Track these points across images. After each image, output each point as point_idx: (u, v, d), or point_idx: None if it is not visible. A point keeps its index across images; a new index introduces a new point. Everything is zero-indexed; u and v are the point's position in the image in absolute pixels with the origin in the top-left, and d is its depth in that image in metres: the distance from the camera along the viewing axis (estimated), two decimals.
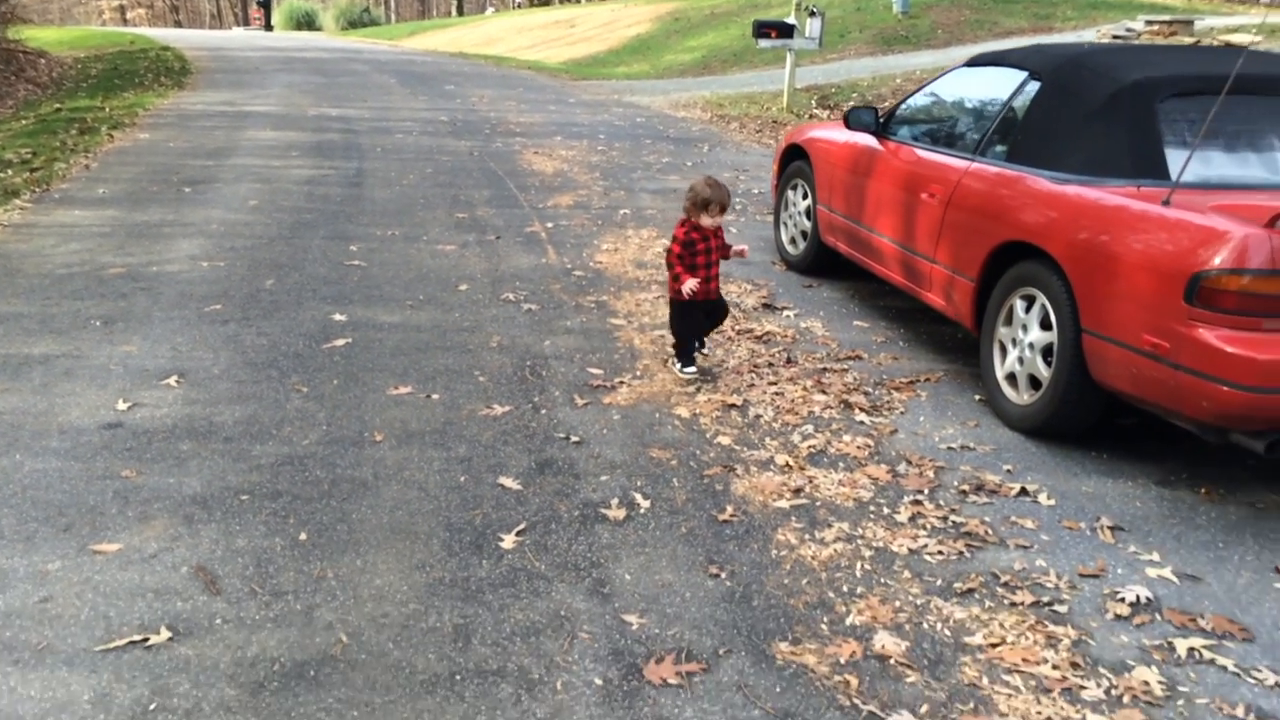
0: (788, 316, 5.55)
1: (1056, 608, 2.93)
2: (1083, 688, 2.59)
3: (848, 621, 2.86)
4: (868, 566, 3.14)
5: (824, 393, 4.46)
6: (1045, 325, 3.92)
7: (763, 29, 14.01)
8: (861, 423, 4.18)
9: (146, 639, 2.70)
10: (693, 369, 4.56)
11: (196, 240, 6.77)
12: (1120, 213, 3.57)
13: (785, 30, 13.96)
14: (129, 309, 5.32)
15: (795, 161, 6.38)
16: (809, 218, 6.18)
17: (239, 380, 4.45)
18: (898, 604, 2.94)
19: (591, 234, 7.28)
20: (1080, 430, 3.93)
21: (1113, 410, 3.86)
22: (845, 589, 3.02)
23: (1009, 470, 3.78)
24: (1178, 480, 3.74)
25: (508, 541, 3.23)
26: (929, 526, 3.37)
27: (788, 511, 3.46)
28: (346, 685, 2.55)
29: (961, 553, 3.22)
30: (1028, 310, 4.03)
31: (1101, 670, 2.67)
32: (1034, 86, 4.38)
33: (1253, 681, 2.63)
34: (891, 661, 2.68)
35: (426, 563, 3.10)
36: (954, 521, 3.40)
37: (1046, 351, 3.91)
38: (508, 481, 3.61)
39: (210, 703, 2.47)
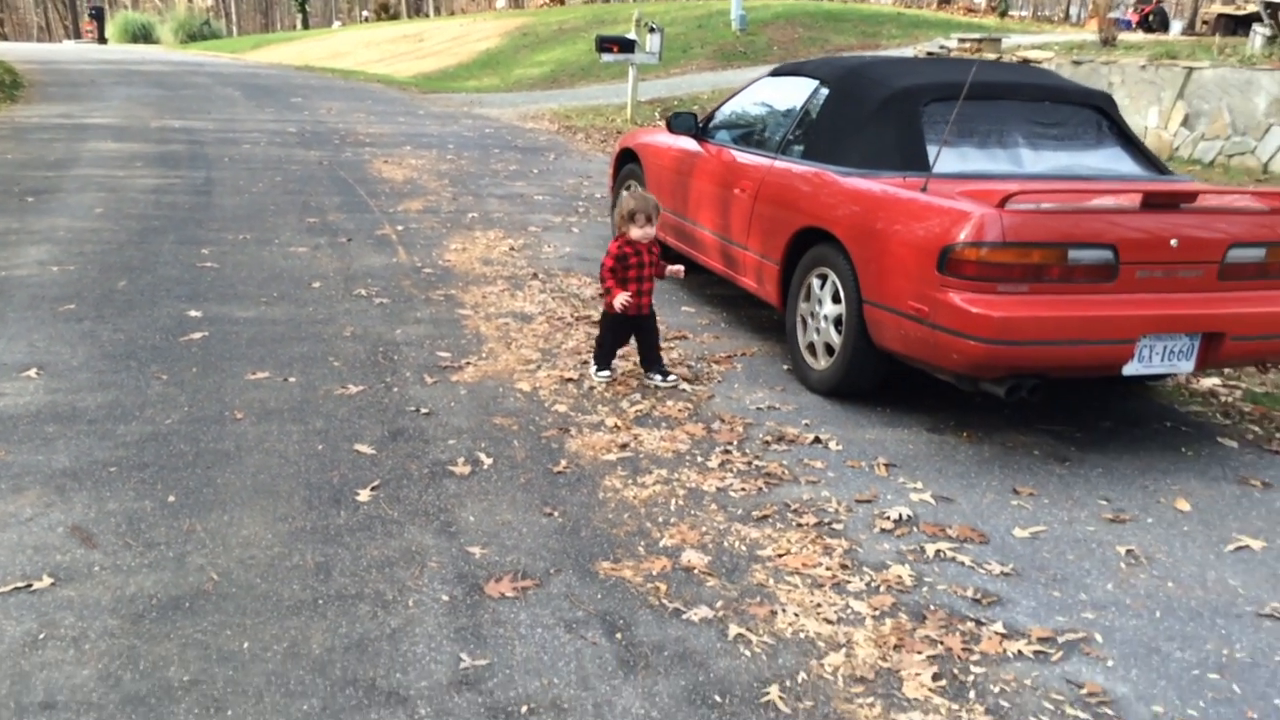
0: None
1: (834, 526, 3.50)
2: (848, 582, 3.15)
3: (660, 544, 3.36)
4: (681, 503, 3.65)
5: None
6: (836, 299, 4.52)
7: (605, 44, 14.60)
8: (683, 391, 4.71)
9: (30, 584, 2.98)
10: (606, 374, 4.69)
11: (44, 247, 6.86)
12: (888, 199, 4.20)
13: (626, 45, 14.59)
14: None
15: (628, 165, 6.92)
16: None
17: (99, 371, 4.68)
18: (704, 529, 3.46)
19: (440, 235, 7.66)
20: (867, 389, 4.55)
21: (896, 373, 4.48)
22: (660, 520, 3.52)
23: (806, 424, 4.37)
24: (945, 428, 4.40)
25: (364, 495, 3.61)
26: (735, 470, 3.91)
27: (614, 463, 3.94)
28: (219, 612, 2.90)
29: (761, 489, 3.77)
30: (822, 287, 4.63)
31: (865, 569, 3.24)
32: (824, 93, 5.02)
33: (983, 572, 3.25)
34: (695, 571, 3.19)
35: (289, 515, 3.46)
36: (757, 465, 3.95)
37: (838, 322, 4.52)
38: (363, 448, 3.99)
39: (95, 632, 2.78)
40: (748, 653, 2.79)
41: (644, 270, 4.60)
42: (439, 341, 5.27)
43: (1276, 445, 4.37)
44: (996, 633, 2.91)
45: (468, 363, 4.98)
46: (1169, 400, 4.91)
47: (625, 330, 4.67)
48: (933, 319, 3.90)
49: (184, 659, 2.68)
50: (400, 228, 7.85)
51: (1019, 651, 2.83)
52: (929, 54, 14.67)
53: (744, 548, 3.35)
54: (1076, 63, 12.28)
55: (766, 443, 4.17)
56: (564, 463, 3.92)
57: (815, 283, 4.67)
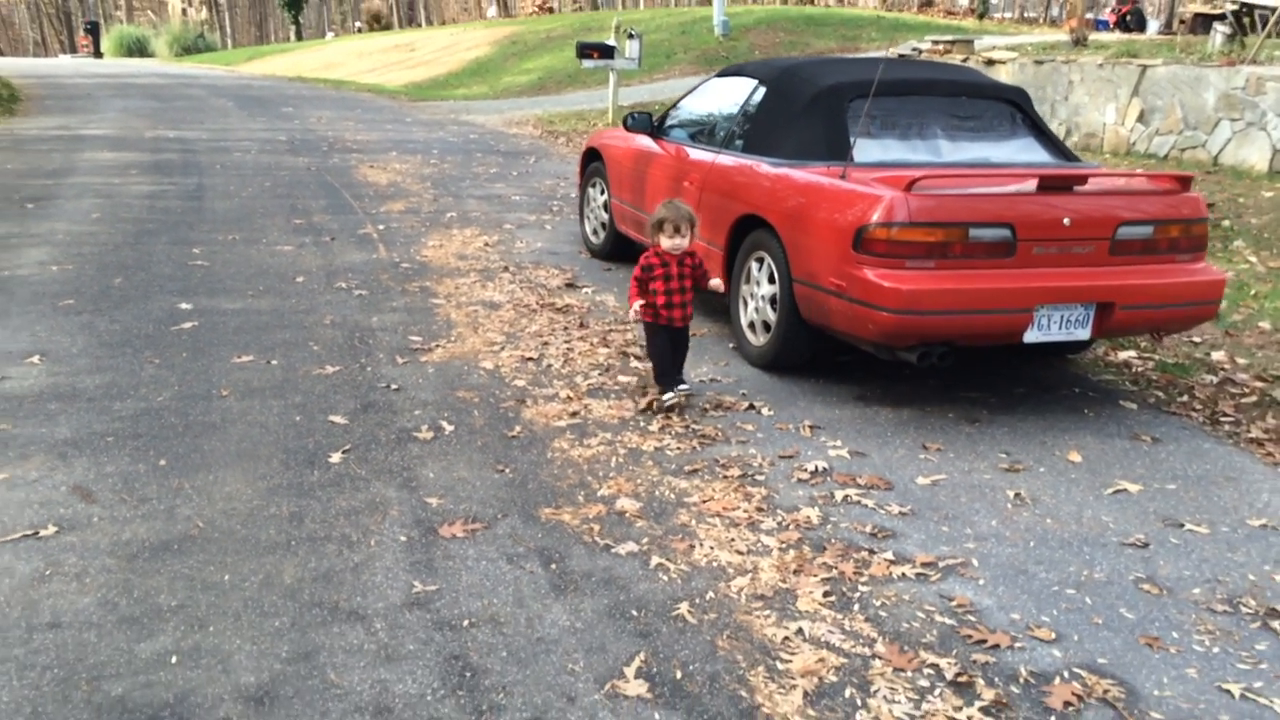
0: (586, 293, 6.48)
1: (756, 477, 3.91)
2: (762, 522, 3.56)
3: (598, 494, 3.77)
4: (620, 460, 4.06)
5: (606, 346, 5.40)
6: (771, 280, 4.94)
7: (586, 50, 15.04)
8: (634, 367, 5.13)
9: (36, 532, 3.39)
10: (671, 395, 4.42)
11: (44, 249, 7.27)
12: (812, 187, 4.62)
13: (606, 51, 15.02)
14: None
15: (593, 163, 7.34)
16: (606, 210, 7.14)
17: (96, 357, 5.09)
18: (638, 481, 3.87)
19: (420, 233, 8.08)
20: (800, 362, 4.97)
21: (835, 349, 4.89)
22: (600, 474, 3.93)
23: (744, 394, 4.78)
24: (870, 395, 4.81)
25: (335, 458, 4.02)
26: (673, 433, 4.33)
27: (564, 428, 4.36)
28: (203, 552, 3.31)
29: (695, 448, 4.18)
30: (759, 269, 5.04)
31: (779, 511, 3.65)
32: (761, 92, 5.44)
33: (883, 512, 3.66)
34: (627, 515, 3.60)
35: (267, 474, 3.87)
36: (693, 429, 4.36)
37: (773, 301, 4.93)
38: (336, 419, 4.40)
39: (94, 569, 3.19)
40: (665, 578, 3.20)
41: (673, 282, 4.40)
42: (412, 327, 5.68)
43: (1174, 407, 4.78)
44: (885, 560, 3.32)
45: (437, 345, 5.39)
46: (1084, 370, 5.32)
47: (668, 342, 4.48)
48: (850, 293, 4.31)
49: (172, 589, 3.08)
50: (382, 227, 8.27)
51: (903, 574, 3.24)
52: (901, 55, 15.11)
53: (673, 496, 3.76)
54: (1039, 62, 12.71)
55: (705, 410, 4.58)
56: (518, 428, 4.33)
57: (754, 265, 5.09)
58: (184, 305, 5.97)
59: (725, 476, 3.91)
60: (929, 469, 4.02)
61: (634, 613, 3.01)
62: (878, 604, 3.07)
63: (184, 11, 68.49)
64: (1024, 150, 5.07)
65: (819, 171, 4.71)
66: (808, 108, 5.02)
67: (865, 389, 4.88)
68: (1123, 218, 4.37)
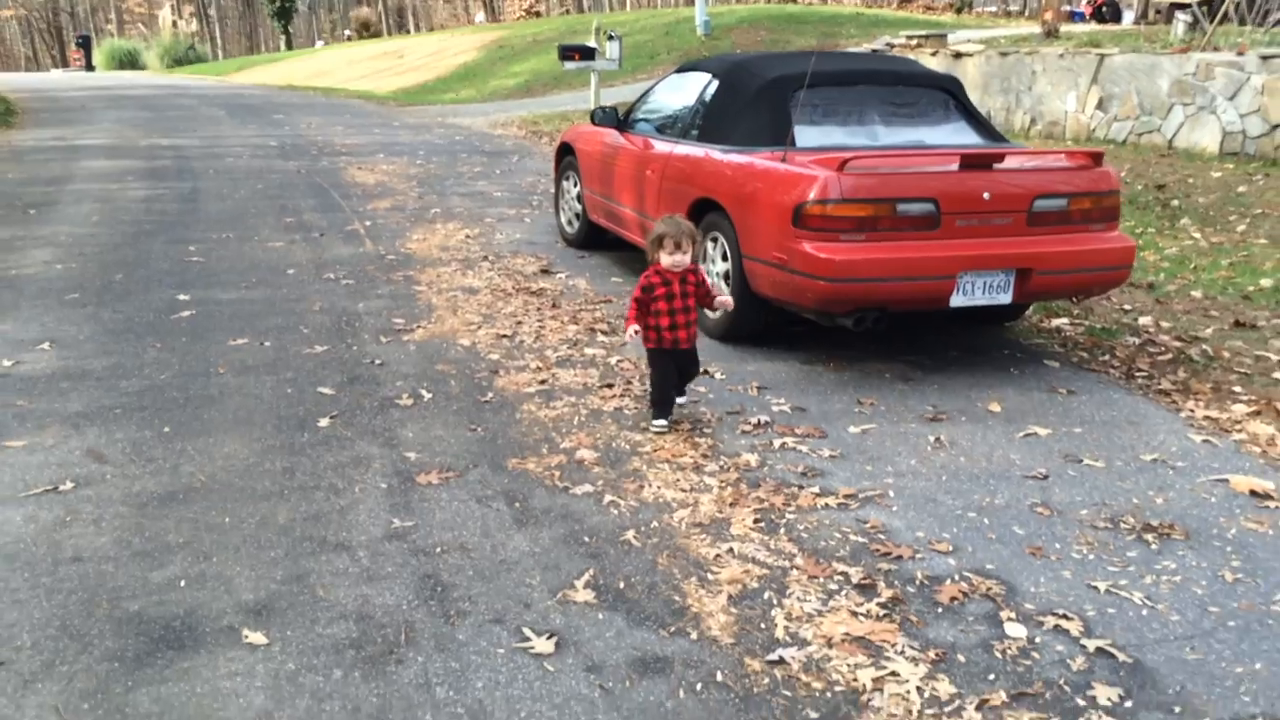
0: (560, 278, 6.91)
1: (704, 430, 4.34)
2: (705, 466, 3.98)
3: (561, 446, 4.19)
4: (582, 419, 4.48)
5: (576, 324, 5.82)
6: (724, 258, 5.36)
7: (567, 53, 15.46)
8: (601, 341, 5.55)
9: (56, 488, 3.80)
10: (662, 422, 4.26)
11: (48, 249, 7.69)
12: (756, 170, 5.05)
13: (587, 53, 15.45)
14: None
15: (567, 157, 7.77)
16: (580, 202, 7.57)
17: (102, 343, 5.51)
18: (597, 435, 4.29)
19: (405, 228, 8.50)
20: (753, 332, 5.39)
21: (787, 320, 5.30)
22: (564, 431, 4.35)
23: (702, 365, 5.19)
24: (816, 359, 5.23)
25: (324, 423, 4.44)
26: (632, 395, 4.75)
27: (533, 394, 4.78)
28: (206, 501, 3.72)
29: (650, 407, 4.59)
30: (714, 248, 5.47)
31: (722, 457, 4.07)
32: (714, 85, 5.87)
33: (816, 456, 4.08)
34: (585, 463, 4.03)
35: (262, 437, 4.28)
36: (650, 392, 4.78)
37: (726, 276, 5.36)
38: (325, 390, 4.82)
39: (109, 515, 3.61)
40: (615, 512, 3.63)
41: (675, 302, 4.16)
42: (395, 311, 6.10)
43: (1095, 365, 5.21)
44: (812, 493, 3.74)
45: (418, 326, 5.81)
46: (1017, 336, 5.75)
47: (672, 367, 4.29)
48: (791, 265, 4.74)
49: (179, 530, 3.50)
50: (369, 223, 8.69)
51: (826, 504, 3.67)
52: (874, 50, 15.54)
53: (627, 446, 4.18)
54: (1004, 54, 13.15)
55: None
56: (491, 395, 4.76)
57: (709, 245, 5.51)
58: (182, 296, 6.39)
59: (676, 430, 4.33)
60: (861, 420, 4.45)
61: (586, 539, 3.43)
62: (801, 528, 3.50)
63: (174, 24, 68.94)
64: (955, 133, 5.49)
65: (763, 156, 5.13)
66: (754, 99, 5.44)
67: (811, 354, 5.30)
68: (1039, 191, 4.80)
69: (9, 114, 18.12)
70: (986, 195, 4.71)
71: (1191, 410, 4.55)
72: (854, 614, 2.97)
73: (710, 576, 3.19)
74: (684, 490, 3.77)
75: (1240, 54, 10.14)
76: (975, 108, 5.73)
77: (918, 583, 3.14)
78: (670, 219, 4.27)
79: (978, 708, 2.56)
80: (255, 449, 4.15)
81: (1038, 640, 2.85)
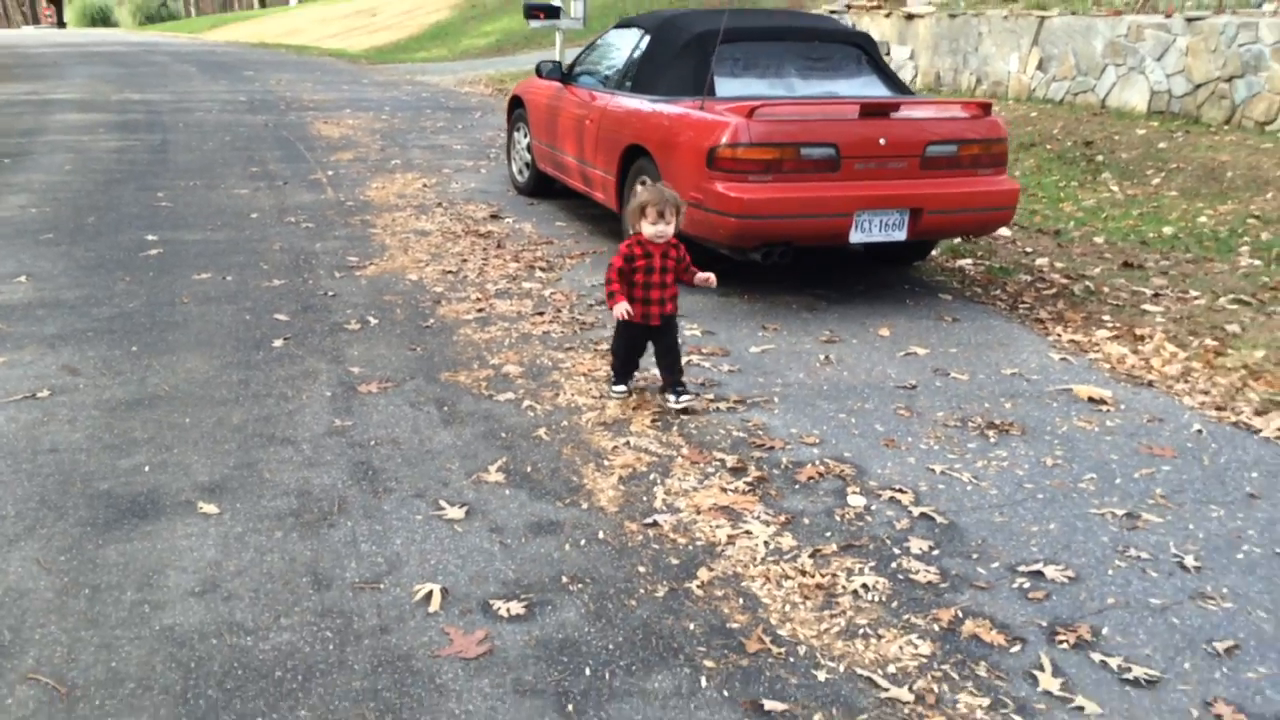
0: (507, 222, 7.37)
1: None
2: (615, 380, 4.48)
3: (490, 363, 4.68)
4: (513, 340, 4.97)
5: (517, 262, 6.29)
6: None
7: (532, 11, 15.71)
8: (538, 276, 6.03)
9: (34, 394, 4.26)
10: (621, 389, 4.19)
11: (23, 195, 8.07)
12: (677, 118, 5.51)
13: (552, 12, 15.72)
14: None
15: (518, 109, 8.20)
16: (529, 152, 8.01)
17: (75, 277, 5.94)
18: (524, 354, 4.78)
19: (365, 178, 8.92)
20: None
21: (712, 258, 5.77)
22: (494, 350, 4.84)
23: None
24: (732, 293, 5.73)
25: (278, 343, 4.91)
26: (560, 322, 5.23)
27: (471, 320, 5.26)
28: (169, 405, 4.19)
29: (575, 331, 5.09)
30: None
31: (634, 373, 4.56)
32: (646, 40, 6.32)
33: (716, 370, 4.58)
34: (510, 375, 4.52)
35: (221, 355, 4.75)
36: (577, 318, 5.27)
37: None
38: (280, 316, 5.28)
39: (82, 417, 4.07)
40: (531, 414, 4.12)
41: (654, 275, 3.99)
42: (350, 251, 6.56)
43: (984, 299, 5.73)
44: (707, 399, 4.25)
45: (370, 263, 6.27)
46: (922, 275, 6.26)
47: (639, 340, 4.11)
48: (706, 204, 5.22)
49: (144, 428, 3.97)
50: (331, 173, 9.11)
51: (717, 408, 4.17)
52: (832, 12, 15.92)
53: (550, 363, 4.67)
54: (953, 16, 13.59)
55: (590, 305, 5.49)
56: (432, 321, 5.24)
57: (639, 188, 5.97)
58: (150, 237, 6.81)
59: (595, 350, 4.83)
60: (763, 342, 4.95)
61: (503, 435, 3.93)
62: (691, 426, 4.01)
63: None
64: (864, 86, 5.97)
65: (684, 105, 5.60)
66: (680, 52, 5.90)
67: (728, 289, 5.79)
68: (931, 138, 5.29)
69: None
70: (882, 141, 5.19)
71: (1059, 334, 5.09)
72: (723, 489, 3.49)
73: (606, 463, 3.70)
74: (594, 398, 4.27)
75: (1168, 16, 10.62)
76: (884, 62, 6.20)
77: (783, 467, 3.66)
78: (654, 186, 4.02)
79: (810, 555, 3.09)
80: (215, 365, 4.62)
81: (873, 508, 3.38)
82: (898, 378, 4.52)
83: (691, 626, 2.76)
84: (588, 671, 2.57)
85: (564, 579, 2.97)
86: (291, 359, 4.69)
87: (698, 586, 2.94)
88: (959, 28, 13.37)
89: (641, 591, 2.92)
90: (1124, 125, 10.55)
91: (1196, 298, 5.74)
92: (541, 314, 5.33)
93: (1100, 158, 9.73)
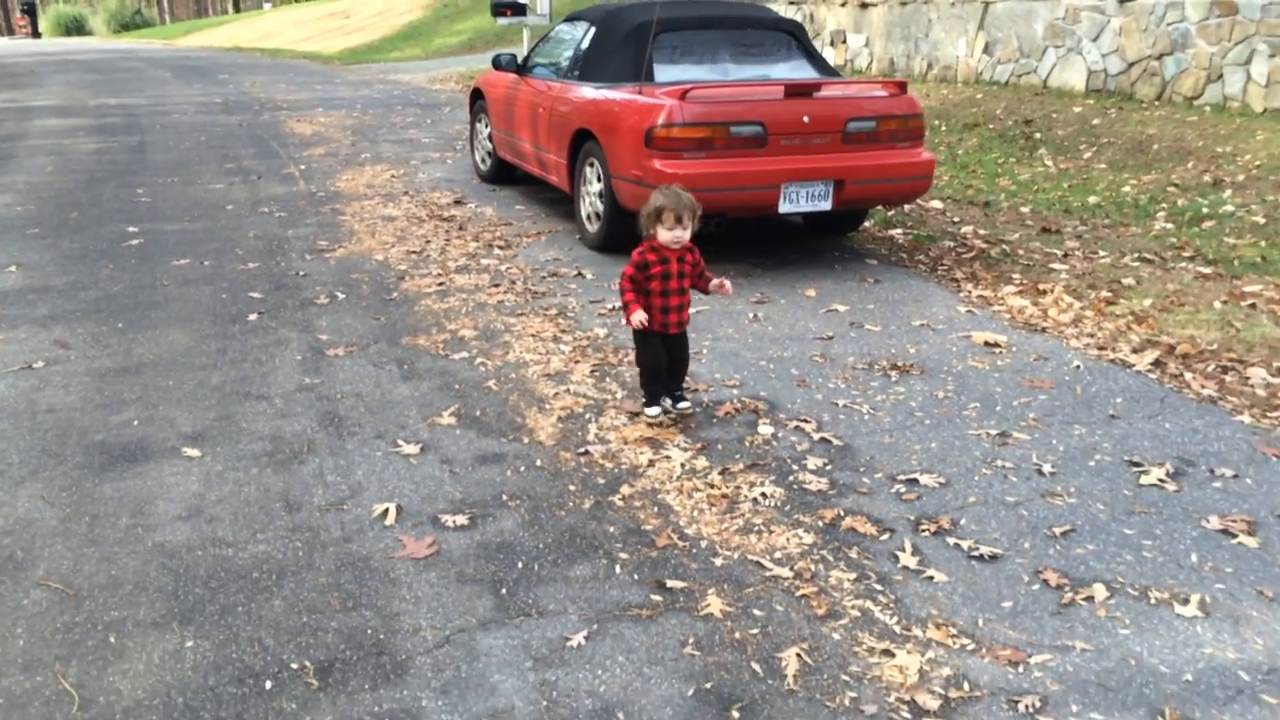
0: (470, 207, 7.82)
1: (567, 314, 5.28)
2: (562, 338, 4.93)
3: (448, 328, 5.12)
4: (470, 309, 5.42)
5: (477, 241, 6.74)
6: (599, 179, 6.29)
7: (499, 8, 16.13)
8: (496, 254, 6.48)
9: (30, 365, 4.69)
10: (656, 410, 3.91)
11: (8, 195, 8.47)
12: (620, 102, 5.97)
13: (519, 9, 16.14)
14: None
15: (479, 101, 8.65)
16: (490, 141, 8.46)
17: (62, 265, 6.36)
18: (480, 320, 5.23)
19: (336, 171, 9.35)
20: (624, 242, 6.30)
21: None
22: (453, 318, 5.28)
23: (577, 268, 6.14)
24: None
25: (253, 317, 5.34)
26: (514, 292, 5.68)
27: (431, 293, 5.70)
28: (154, 371, 4.63)
29: (529, 300, 5.54)
30: (591, 172, 6.39)
31: (577, 333, 5.02)
32: (592, 31, 6.77)
33: None
34: (465, 338, 4.97)
35: (200, 329, 5.18)
36: (530, 288, 5.73)
37: (600, 195, 6.29)
38: (255, 294, 5.71)
39: (75, 383, 4.50)
40: (483, 370, 4.58)
41: (671, 282, 3.81)
42: (320, 236, 6.99)
43: (908, 263, 6.21)
44: None
45: (339, 247, 6.71)
46: (854, 243, 6.74)
47: (656, 349, 3.89)
48: (645, 180, 5.67)
49: (131, 390, 4.41)
50: (303, 167, 9.53)
51: None
52: (791, 3, 16.39)
53: (502, 326, 5.13)
54: (903, 3, 14.08)
55: (543, 277, 5.95)
56: (396, 294, 5.68)
57: (588, 170, 6.44)
58: (131, 229, 7.23)
59: (544, 314, 5.28)
60: (698, 304, 5.41)
61: (456, 386, 4.38)
62: (627, 376, 4.46)
63: None
64: (795, 69, 6.44)
65: (625, 90, 6.06)
66: (622, 42, 6.36)
67: None
68: (851, 115, 5.75)
69: None
70: (806, 119, 5.66)
71: (969, 291, 5.57)
72: (649, 425, 3.94)
73: (547, 406, 4.16)
74: (540, 354, 4.73)
75: None
76: (814, 47, 6.67)
77: (704, 405, 4.12)
78: (670, 190, 3.81)
79: (719, 473, 3.55)
80: (194, 336, 5.05)
81: (779, 435, 3.85)
82: (817, 330, 4.99)
83: (611, 529, 3.22)
84: (520, 565, 3.03)
85: (504, 497, 3.43)
86: (265, 330, 5.13)
87: (619, 499, 3.40)
88: (910, 15, 13.86)
89: (570, 505, 3.38)
90: (1062, 104, 11.05)
91: (1103, 258, 6.24)
92: (497, 285, 5.78)
93: (1038, 135, 10.24)
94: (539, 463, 3.67)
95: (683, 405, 4.00)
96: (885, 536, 3.14)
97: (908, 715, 2.38)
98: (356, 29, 32.58)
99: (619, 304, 5.09)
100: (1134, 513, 3.27)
